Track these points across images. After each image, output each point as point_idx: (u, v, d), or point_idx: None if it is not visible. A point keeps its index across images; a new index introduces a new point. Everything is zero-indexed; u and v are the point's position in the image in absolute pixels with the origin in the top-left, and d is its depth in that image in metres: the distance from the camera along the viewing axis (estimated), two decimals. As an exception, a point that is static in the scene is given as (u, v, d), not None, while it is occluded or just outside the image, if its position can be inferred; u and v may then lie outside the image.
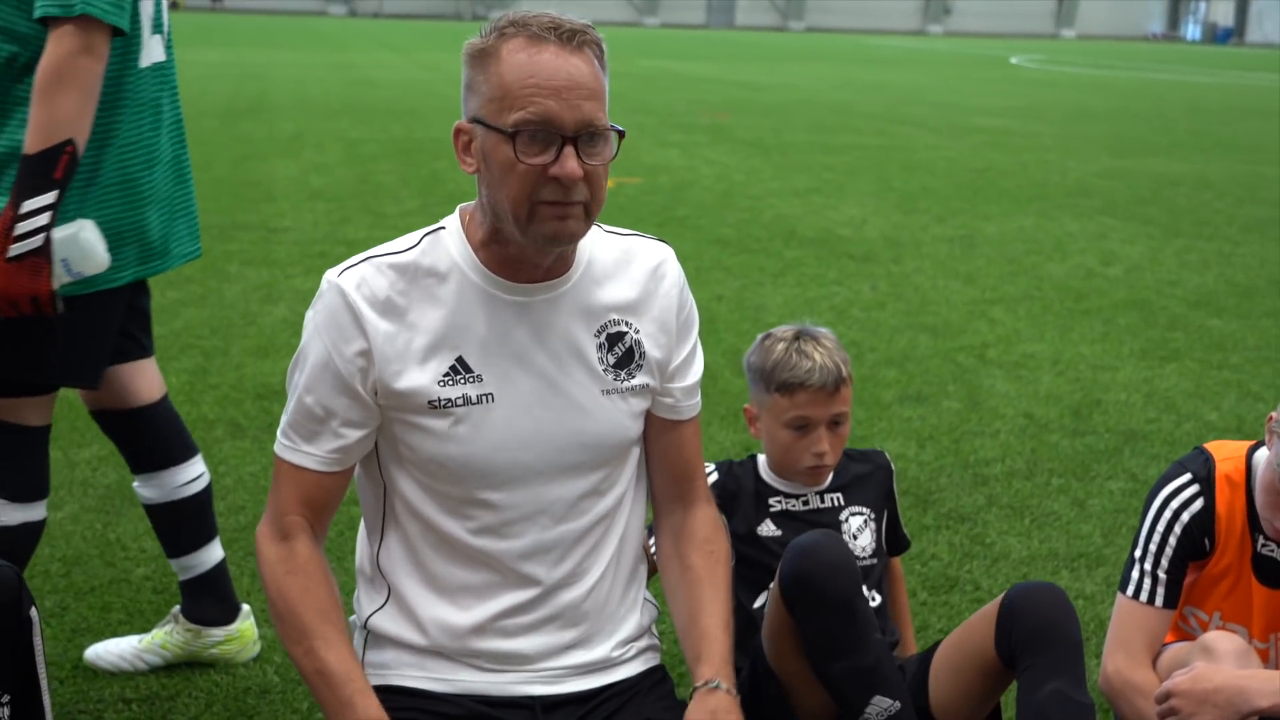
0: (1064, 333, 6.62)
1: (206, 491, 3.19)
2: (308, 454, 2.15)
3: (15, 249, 2.57)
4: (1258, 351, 6.33)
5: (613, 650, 2.28)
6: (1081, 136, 16.59)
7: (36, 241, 2.58)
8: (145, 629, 3.35)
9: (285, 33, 40.44)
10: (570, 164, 2.01)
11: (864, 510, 2.78)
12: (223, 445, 4.65)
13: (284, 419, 2.18)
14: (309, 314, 2.17)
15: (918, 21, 73.06)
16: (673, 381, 2.29)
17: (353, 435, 2.15)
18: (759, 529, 2.73)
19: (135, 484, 3.19)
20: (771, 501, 2.75)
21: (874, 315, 6.87)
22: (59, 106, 2.57)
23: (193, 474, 3.16)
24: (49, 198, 2.58)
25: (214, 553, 3.20)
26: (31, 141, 2.59)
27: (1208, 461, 2.68)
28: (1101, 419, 5.29)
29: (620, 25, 64.80)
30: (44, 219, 2.58)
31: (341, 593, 2.19)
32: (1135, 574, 2.65)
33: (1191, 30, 76.28)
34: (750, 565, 2.70)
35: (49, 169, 2.58)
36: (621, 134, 2.09)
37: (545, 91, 2.00)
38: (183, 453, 3.16)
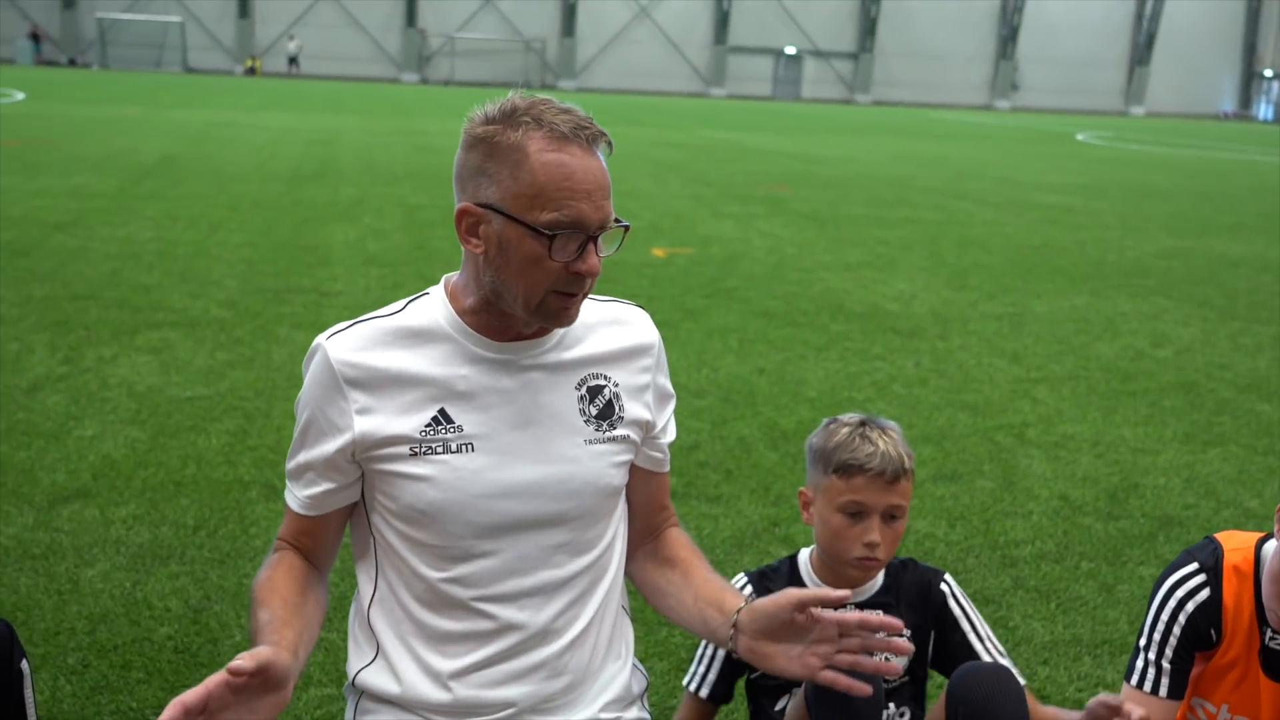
0: (1107, 414, 6.57)
1: None
2: (294, 496, 2.29)
3: None
4: (1307, 438, 6.25)
5: (600, 711, 2.31)
6: (1143, 215, 16.48)
7: None
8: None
9: (357, 98, 41.18)
10: (594, 261, 2.13)
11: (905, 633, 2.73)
12: (255, 507, 4.72)
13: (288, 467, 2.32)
14: (306, 372, 2.27)
15: (985, 96, 73.04)
16: (660, 437, 2.40)
17: (324, 486, 2.25)
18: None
19: None
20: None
21: (915, 391, 6.85)
22: None
23: None
24: None
25: None
26: None
27: (1216, 551, 2.66)
28: (1138, 503, 5.23)
29: (686, 95, 65.38)
30: None
31: (325, 660, 2.22)
32: (1140, 663, 2.65)
33: (1264, 110, 75.63)
34: None
35: None
36: (627, 228, 2.18)
37: (579, 195, 2.09)
38: None
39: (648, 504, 2.45)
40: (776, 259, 11.30)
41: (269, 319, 7.85)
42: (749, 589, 2.75)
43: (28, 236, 10.54)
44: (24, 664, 2.11)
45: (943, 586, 2.79)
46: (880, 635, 2.12)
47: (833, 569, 2.70)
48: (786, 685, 2.65)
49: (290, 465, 2.29)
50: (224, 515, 4.64)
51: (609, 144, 2.15)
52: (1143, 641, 2.65)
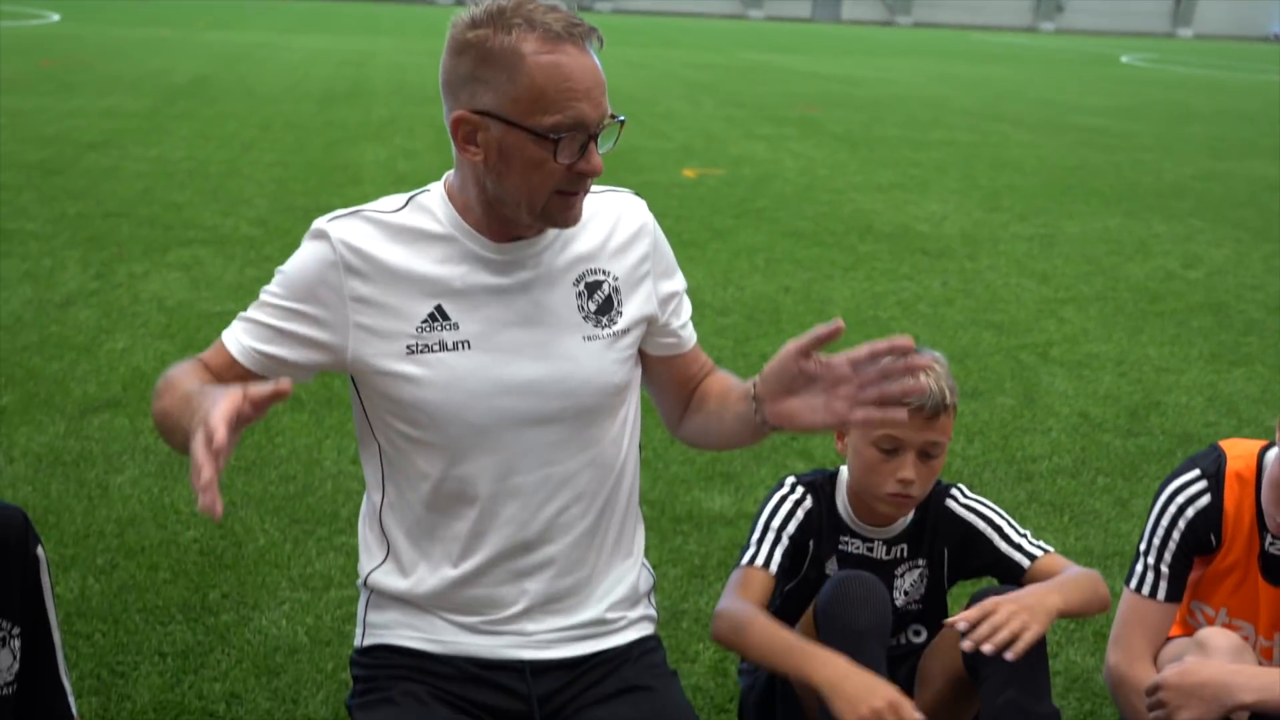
0: (1133, 334, 6.56)
1: None
2: (239, 342, 2.18)
3: None
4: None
5: (606, 611, 2.33)
6: (1183, 137, 16.28)
7: None
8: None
9: (390, 20, 40.94)
10: (597, 160, 2.11)
11: (920, 562, 2.69)
12: (281, 417, 4.80)
13: (242, 314, 2.21)
14: (301, 248, 2.22)
15: (1029, 18, 71.88)
16: (670, 323, 2.35)
17: (282, 350, 2.18)
18: (826, 564, 2.67)
19: None
20: (842, 539, 2.68)
21: (940, 311, 6.85)
22: None
23: None
24: None
25: None
26: None
27: (1219, 458, 2.68)
28: (1159, 421, 5.25)
29: (725, 18, 64.62)
30: None
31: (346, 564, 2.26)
32: (1139, 568, 2.67)
33: (1315, 31, 74.11)
34: (809, 591, 2.64)
35: None
36: (623, 122, 2.16)
37: (579, 95, 2.07)
38: None
39: (676, 385, 2.40)
40: (807, 180, 11.26)
41: (298, 237, 7.75)
42: (800, 490, 2.69)
43: (62, 155, 10.62)
44: (40, 550, 2.17)
45: (949, 503, 2.70)
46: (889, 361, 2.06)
47: (864, 501, 2.63)
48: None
49: (252, 312, 2.19)
50: (250, 426, 4.71)
51: (600, 39, 2.13)
52: (1143, 546, 2.67)
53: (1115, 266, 8.19)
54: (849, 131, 15.22)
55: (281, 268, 2.22)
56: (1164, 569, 2.64)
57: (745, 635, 2.47)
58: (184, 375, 2.12)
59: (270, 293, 2.20)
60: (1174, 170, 13.01)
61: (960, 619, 2.38)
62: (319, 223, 2.21)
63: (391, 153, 11.69)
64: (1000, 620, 2.34)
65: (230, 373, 2.15)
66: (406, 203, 2.25)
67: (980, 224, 9.48)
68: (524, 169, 2.11)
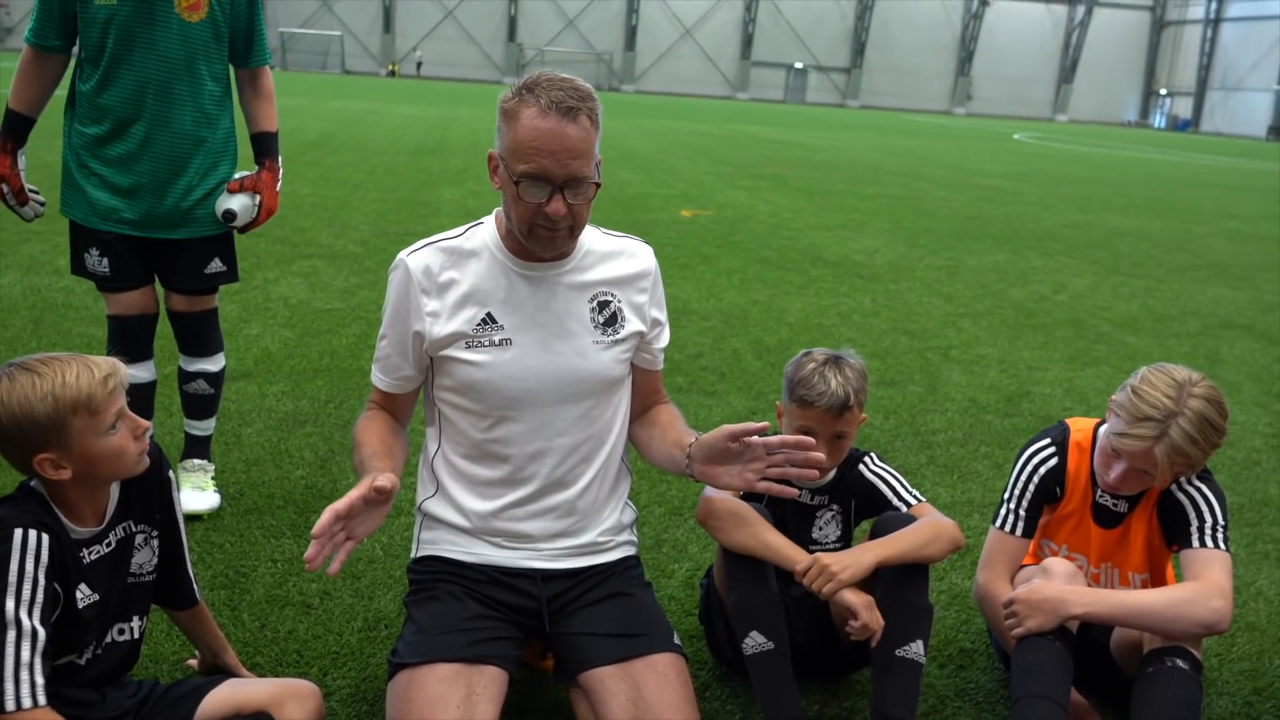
0: (1013, 340, 6.52)
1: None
2: (380, 378, 2.31)
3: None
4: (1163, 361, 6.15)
5: (598, 536, 2.34)
6: (1058, 196, 16.17)
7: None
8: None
9: (469, 95, 40.86)
10: (556, 205, 2.08)
11: (835, 507, 2.63)
12: (364, 392, 4.77)
13: (376, 356, 2.34)
14: (390, 282, 2.27)
15: (946, 104, 71.52)
16: (652, 344, 2.37)
17: (404, 371, 2.28)
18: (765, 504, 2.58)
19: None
20: None
21: (869, 320, 6.82)
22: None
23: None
24: None
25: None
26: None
27: (1064, 430, 2.67)
28: (1029, 406, 5.21)
29: (717, 98, 64.42)
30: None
31: (410, 497, 2.26)
32: (1004, 511, 2.66)
33: (1158, 119, 73.68)
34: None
35: None
36: (598, 185, 2.13)
37: (544, 154, 2.05)
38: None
39: (643, 391, 2.43)
40: (774, 220, 11.20)
41: (390, 254, 7.82)
42: None
43: (218, 190, 10.59)
44: (169, 473, 2.17)
45: (860, 468, 2.61)
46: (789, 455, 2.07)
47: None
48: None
49: (378, 354, 2.31)
50: (347, 393, 4.72)
51: (588, 115, 2.06)
52: (1006, 495, 2.66)
53: (1002, 290, 8.15)
54: (808, 185, 15.15)
55: (383, 310, 2.29)
56: (1022, 512, 2.62)
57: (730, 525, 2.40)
58: (361, 432, 2.26)
59: (382, 335, 2.29)
60: (1050, 219, 12.93)
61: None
62: (401, 256, 2.24)
63: (464, 194, 11.67)
64: (827, 563, 2.29)
65: (388, 402, 2.33)
66: (466, 230, 2.27)
67: (903, 256, 9.43)
68: (511, 201, 2.13)
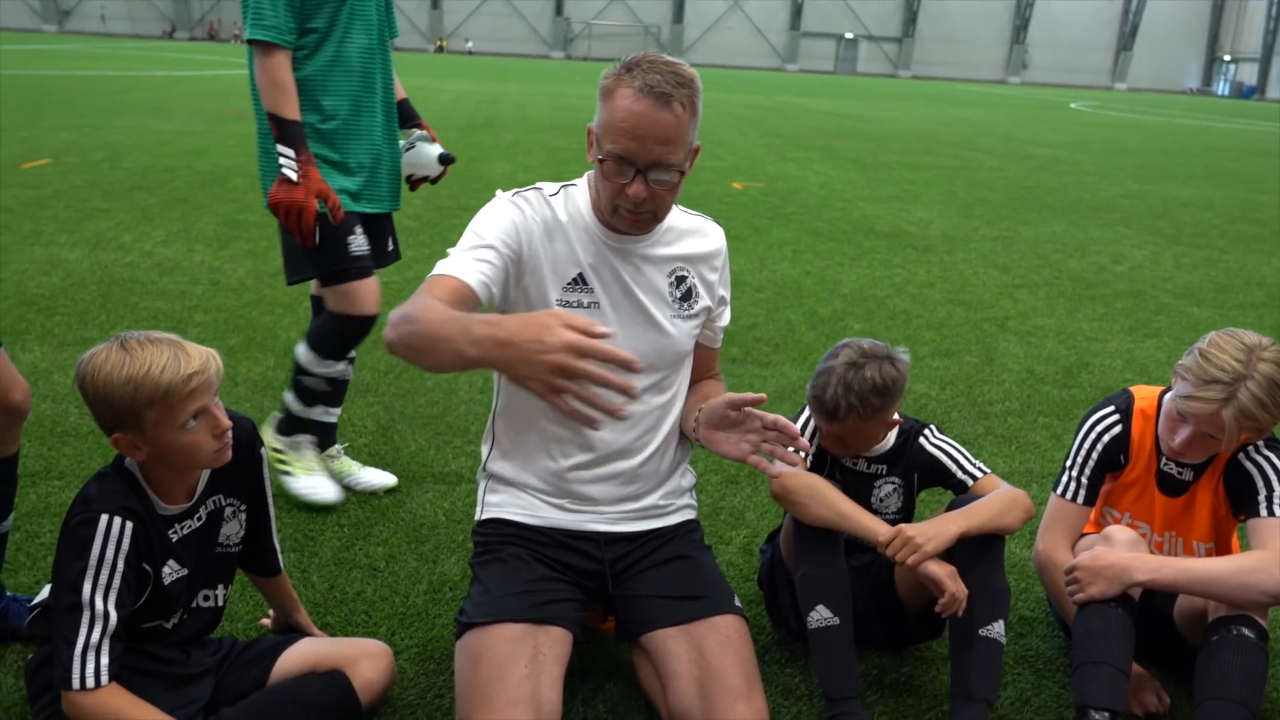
0: (1071, 312, 6.44)
1: None
2: (460, 265, 2.09)
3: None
4: (1225, 333, 6.05)
5: (659, 499, 2.37)
6: (1116, 165, 15.87)
7: None
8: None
9: (517, 71, 40.90)
10: (637, 188, 2.10)
11: (895, 480, 2.61)
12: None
13: (454, 255, 2.12)
14: (499, 198, 2.21)
15: (1000, 73, 70.23)
16: (715, 322, 2.40)
17: (497, 264, 2.13)
18: (826, 469, 2.61)
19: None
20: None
21: (924, 291, 6.77)
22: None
23: None
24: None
25: None
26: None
27: (1129, 398, 2.65)
28: (1087, 377, 5.16)
29: (767, 70, 63.83)
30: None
31: (474, 465, 2.27)
32: (1065, 478, 2.64)
33: (1221, 87, 71.76)
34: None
35: None
36: (683, 173, 2.13)
37: (631, 136, 2.06)
38: None
39: (700, 365, 2.44)
40: (826, 192, 11.13)
41: (444, 228, 7.98)
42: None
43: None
44: (261, 450, 2.22)
45: (921, 440, 2.60)
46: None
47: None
48: (863, 548, 2.57)
49: (464, 246, 2.11)
50: (406, 364, 4.77)
51: (683, 103, 2.05)
52: (1068, 462, 2.64)
53: (1059, 261, 8.04)
54: (859, 157, 15.01)
55: (473, 227, 2.17)
56: (1084, 480, 2.61)
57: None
58: (437, 306, 1.88)
59: (476, 236, 2.15)
60: (1108, 190, 12.70)
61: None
62: (507, 193, 2.23)
63: (514, 168, 11.71)
64: (911, 534, 2.29)
65: (454, 296, 2.01)
66: (560, 189, 2.27)
67: (957, 227, 9.33)
68: (600, 177, 2.15)
